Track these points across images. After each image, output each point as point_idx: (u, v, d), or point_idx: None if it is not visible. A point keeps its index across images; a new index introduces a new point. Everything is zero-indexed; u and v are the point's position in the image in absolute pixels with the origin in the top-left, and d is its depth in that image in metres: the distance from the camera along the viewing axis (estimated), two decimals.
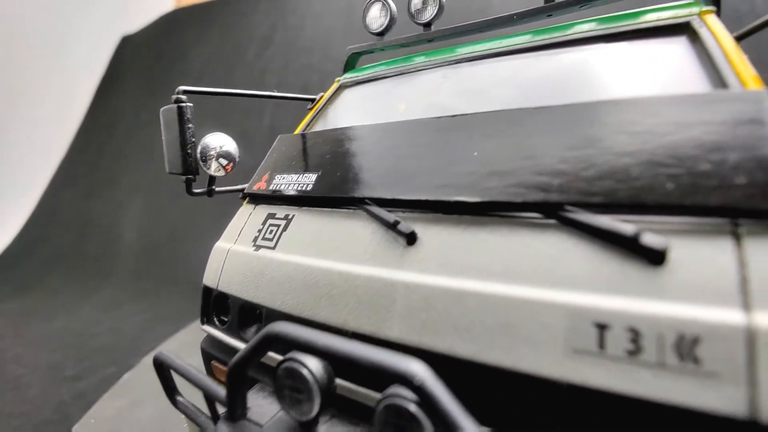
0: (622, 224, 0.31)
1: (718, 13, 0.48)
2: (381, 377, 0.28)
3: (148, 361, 1.35)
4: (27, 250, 3.68)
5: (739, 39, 0.45)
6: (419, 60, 0.66)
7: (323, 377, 0.35)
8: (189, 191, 0.56)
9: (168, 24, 4.15)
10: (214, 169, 0.55)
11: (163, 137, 0.56)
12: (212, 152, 0.55)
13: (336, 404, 0.39)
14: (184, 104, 0.54)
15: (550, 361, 0.30)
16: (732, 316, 0.26)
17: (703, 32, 0.42)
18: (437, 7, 0.64)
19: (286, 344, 0.33)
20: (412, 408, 0.29)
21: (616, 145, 0.34)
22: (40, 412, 1.37)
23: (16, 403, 1.44)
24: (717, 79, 0.39)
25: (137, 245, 3.28)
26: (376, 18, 0.69)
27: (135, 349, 1.84)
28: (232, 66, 3.68)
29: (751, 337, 0.25)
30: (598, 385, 0.28)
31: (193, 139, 0.55)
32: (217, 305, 0.55)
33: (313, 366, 0.35)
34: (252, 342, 0.35)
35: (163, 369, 0.49)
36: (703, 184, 0.30)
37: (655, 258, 0.30)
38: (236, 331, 0.51)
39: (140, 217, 3.33)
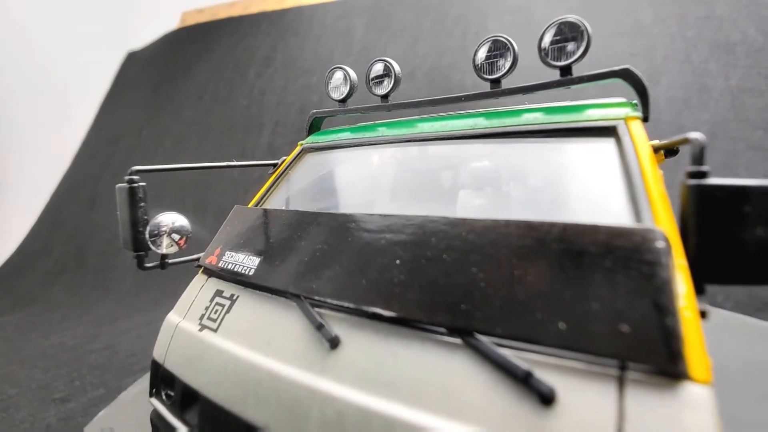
0: (517, 361, 0.32)
1: (646, 117, 0.49)
2: None
3: (124, 396, 1.35)
4: (28, 263, 3.72)
5: (656, 150, 0.46)
6: (380, 130, 0.68)
7: None
8: (140, 266, 0.57)
9: (173, 42, 4.24)
10: (165, 245, 0.57)
11: (117, 213, 0.58)
12: (164, 228, 0.56)
13: None
14: (136, 184, 0.55)
15: None
16: None
17: (625, 141, 0.43)
18: (393, 81, 0.66)
19: None
20: None
21: (523, 273, 0.35)
22: None
23: (3, 427, 1.46)
24: (630, 194, 0.39)
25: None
26: (337, 87, 0.71)
27: (126, 369, 1.87)
28: (234, 84, 3.75)
29: None
30: None
31: (146, 217, 0.56)
32: (164, 380, 0.56)
33: None
34: None
35: None
36: (593, 326, 0.31)
37: (544, 399, 0.30)
38: (179, 411, 0.52)
39: None
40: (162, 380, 0.56)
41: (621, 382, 0.30)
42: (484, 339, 0.34)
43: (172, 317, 0.59)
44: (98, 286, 3.24)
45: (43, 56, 4.26)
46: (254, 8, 3.90)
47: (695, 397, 0.28)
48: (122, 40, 4.41)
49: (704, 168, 0.36)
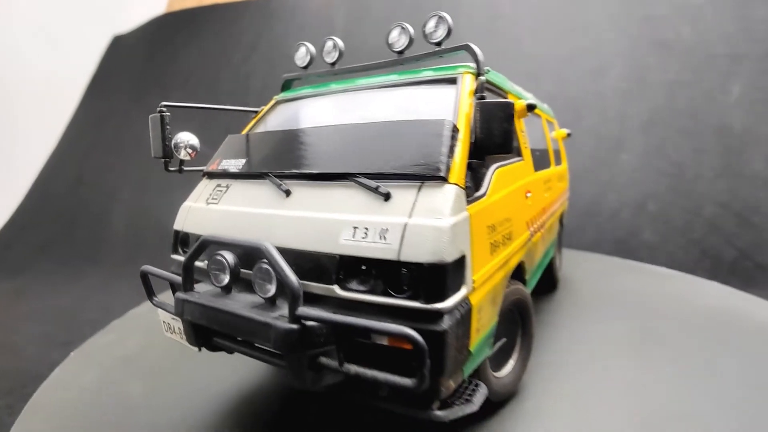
0: (373, 182, 0.66)
1: (479, 73, 0.81)
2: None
3: (134, 312, 1.62)
4: (18, 237, 3.77)
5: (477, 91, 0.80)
6: (331, 86, 1.00)
7: (233, 262, 0.68)
8: (166, 169, 0.89)
9: (159, 26, 4.37)
10: (182, 155, 0.88)
11: (150, 134, 0.88)
12: (182, 144, 0.87)
13: (244, 282, 0.72)
14: (164, 113, 0.86)
15: (332, 245, 0.64)
16: (402, 220, 0.61)
17: (459, 85, 0.78)
18: (338, 53, 0.98)
19: (211, 245, 0.66)
20: (266, 266, 0.61)
21: (382, 144, 0.69)
22: (36, 368, 1.46)
23: (13, 362, 1.59)
24: (453, 111, 0.73)
25: (126, 233, 3.41)
26: (302, 57, 1.03)
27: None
28: (220, 69, 3.91)
29: (404, 227, 0.59)
30: (348, 253, 0.63)
31: (170, 136, 0.87)
32: (182, 242, 0.88)
33: (226, 256, 0.67)
34: (193, 246, 0.68)
35: (146, 278, 0.81)
36: (410, 163, 0.65)
37: (385, 197, 0.64)
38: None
39: (129, 207, 3.50)
40: (180, 242, 0.87)
41: (420, 188, 0.64)
42: (360, 177, 0.68)
43: (186, 203, 0.90)
44: (88, 257, 3.30)
45: (30, 39, 4.32)
46: None
47: (451, 189, 0.63)
48: (108, 24, 4.49)
49: (483, 94, 0.70)
